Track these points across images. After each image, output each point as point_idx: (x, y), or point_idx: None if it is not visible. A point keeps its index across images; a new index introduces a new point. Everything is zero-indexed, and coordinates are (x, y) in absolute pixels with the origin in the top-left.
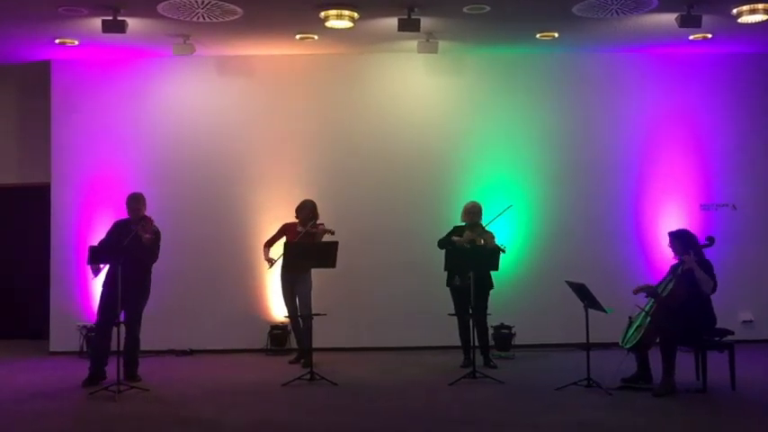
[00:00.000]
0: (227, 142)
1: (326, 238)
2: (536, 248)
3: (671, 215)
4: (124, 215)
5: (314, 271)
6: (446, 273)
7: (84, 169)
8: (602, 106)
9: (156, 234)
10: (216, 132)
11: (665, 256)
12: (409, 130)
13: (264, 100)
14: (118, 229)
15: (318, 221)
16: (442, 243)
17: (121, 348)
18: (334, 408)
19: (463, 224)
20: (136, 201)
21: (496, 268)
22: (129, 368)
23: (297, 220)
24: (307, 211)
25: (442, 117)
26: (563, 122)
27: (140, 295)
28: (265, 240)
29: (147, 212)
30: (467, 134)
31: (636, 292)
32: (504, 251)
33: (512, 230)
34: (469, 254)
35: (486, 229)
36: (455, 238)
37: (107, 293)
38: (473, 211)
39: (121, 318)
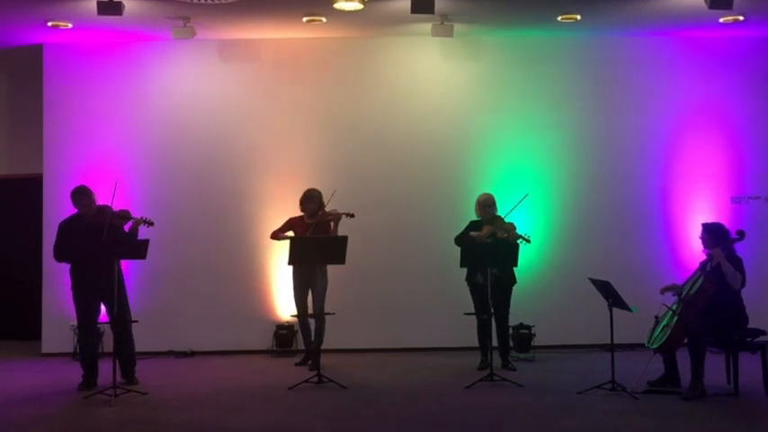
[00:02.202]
0: (229, 131)
1: (342, 225)
2: (557, 244)
3: (700, 208)
4: (121, 207)
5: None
6: (463, 269)
7: (78, 160)
8: (626, 93)
9: (130, 213)
10: (218, 121)
11: (694, 251)
12: (423, 118)
13: (269, 86)
14: (73, 229)
15: (328, 209)
16: (459, 240)
17: (113, 350)
18: (343, 413)
19: (479, 219)
20: (85, 195)
21: (516, 264)
22: (127, 370)
23: (302, 213)
24: (315, 201)
25: (457, 104)
26: (585, 110)
27: (124, 290)
28: (273, 232)
29: (146, 206)
30: (483, 122)
31: (663, 291)
32: (528, 241)
33: (531, 225)
34: (488, 249)
35: (506, 220)
36: (472, 233)
37: (84, 294)
38: (487, 204)
39: (104, 318)
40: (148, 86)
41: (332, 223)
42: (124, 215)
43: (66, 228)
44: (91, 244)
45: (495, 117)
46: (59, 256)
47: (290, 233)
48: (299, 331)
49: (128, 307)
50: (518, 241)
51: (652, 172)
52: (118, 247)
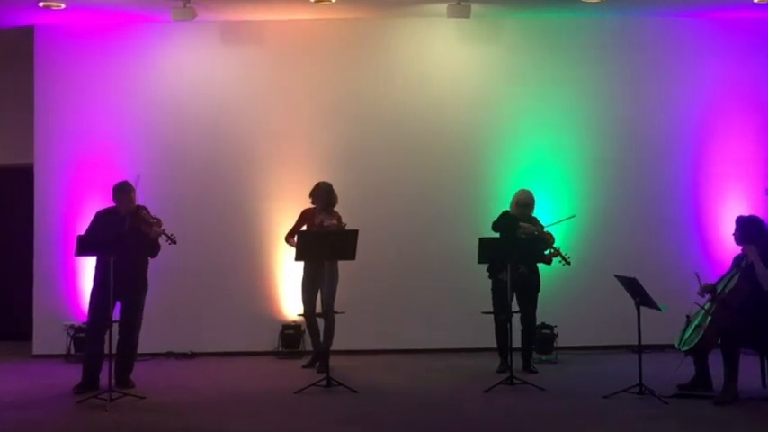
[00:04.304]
0: (232, 119)
1: (350, 219)
2: (581, 239)
3: (732, 201)
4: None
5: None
6: (481, 264)
7: (71, 149)
8: (654, 79)
9: (160, 224)
10: (220, 108)
11: (727, 246)
12: (438, 104)
13: (275, 71)
14: (105, 220)
15: (335, 209)
16: (498, 226)
17: (115, 350)
18: (354, 418)
19: (511, 213)
20: (126, 192)
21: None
22: (122, 373)
23: (313, 206)
24: (321, 195)
25: (474, 90)
26: (610, 97)
27: (138, 289)
28: (286, 233)
29: (144, 200)
30: (502, 109)
31: (701, 292)
32: (568, 263)
33: (553, 217)
34: (519, 245)
35: (545, 229)
36: (523, 224)
37: (101, 290)
38: (526, 204)
39: (115, 316)
40: (146, 71)
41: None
42: (152, 222)
43: (99, 216)
44: (112, 235)
45: (514, 104)
46: (81, 248)
47: (304, 228)
48: (307, 331)
49: (142, 310)
50: (556, 259)
51: (681, 162)
52: (135, 242)
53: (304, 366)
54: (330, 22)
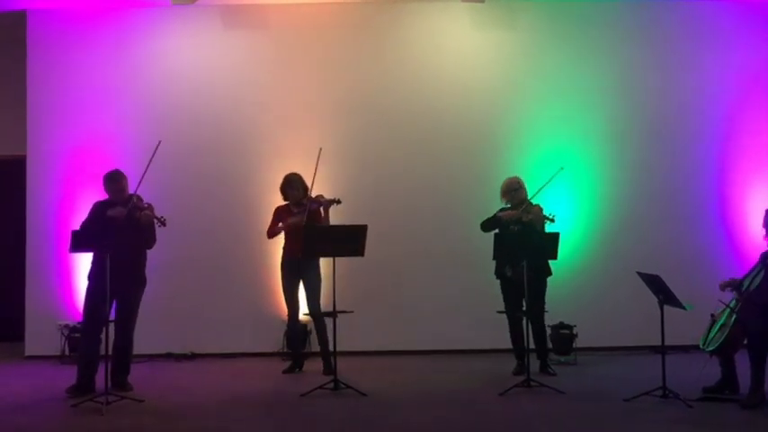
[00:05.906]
0: (234, 108)
1: (350, 212)
2: (601, 234)
3: (762, 193)
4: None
5: (336, 260)
6: (494, 262)
7: (66, 139)
8: (680, 65)
9: (152, 209)
10: (222, 97)
11: (754, 241)
12: (451, 93)
13: (279, 58)
14: (101, 212)
15: (313, 195)
16: (486, 224)
17: (110, 350)
18: (363, 422)
19: (507, 206)
20: (116, 181)
21: (555, 256)
22: (119, 374)
23: (286, 202)
24: (297, 187)
25: (488, 77)
26: (633, 84)
27: (136, 286)
28: (267, 230)
29: (142, 193)
30: (518, 97)
31: (723, 288)
32: (552, 220)
33: (572, 211)
34: (521, 239)
35: (533, 202)
36: (500, 213)
37: (96, 287)
38: (512, 189)
39: (112, 314)
40: (144, 58)
41: (321, 210)
42: (143, 208)
43: (96, 207)
44: (106, 228)
45: (529, 91)
46: (76, 244)
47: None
48: (290, 334)
49: (138, 307)
50: (545, 223)
51: (708, 152)
52: (129, 234)
53: (284, 372)
54: (337, 6)
